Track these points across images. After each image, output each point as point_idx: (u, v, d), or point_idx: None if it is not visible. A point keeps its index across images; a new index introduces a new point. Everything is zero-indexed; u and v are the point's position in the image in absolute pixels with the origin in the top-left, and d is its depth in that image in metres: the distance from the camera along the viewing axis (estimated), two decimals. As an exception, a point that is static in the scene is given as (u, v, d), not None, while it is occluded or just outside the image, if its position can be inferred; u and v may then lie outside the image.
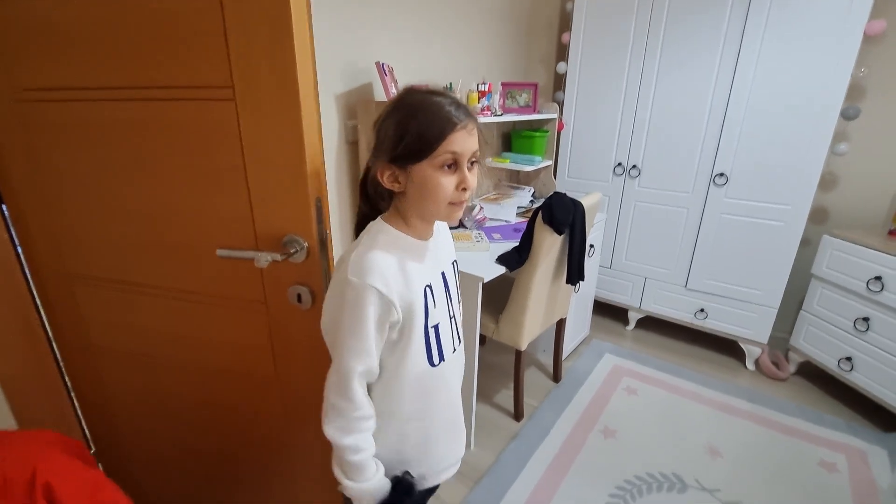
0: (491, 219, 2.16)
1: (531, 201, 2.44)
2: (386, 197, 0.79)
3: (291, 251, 0.83)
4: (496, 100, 2.20)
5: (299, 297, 0.87)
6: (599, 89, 2.43)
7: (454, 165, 0.72)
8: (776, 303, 2.21)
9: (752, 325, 2.30)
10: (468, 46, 2.23)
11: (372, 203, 0.81)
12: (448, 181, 0.71)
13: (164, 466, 1.27)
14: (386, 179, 0.74)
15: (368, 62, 1.69)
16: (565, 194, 1.60)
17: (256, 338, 0.97)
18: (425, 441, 0.87)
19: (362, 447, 0.77)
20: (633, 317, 2.69)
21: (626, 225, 2.53)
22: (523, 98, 2.32)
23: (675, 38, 2.16)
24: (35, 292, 1.13)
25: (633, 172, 2.42)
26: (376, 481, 0.78)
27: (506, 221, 2.17)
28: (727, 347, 2.53)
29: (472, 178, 0.74)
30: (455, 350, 0.88)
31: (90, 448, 1.32)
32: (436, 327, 0.81)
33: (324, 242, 0.83)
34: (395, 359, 0.79)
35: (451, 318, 0.86)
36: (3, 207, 1.05)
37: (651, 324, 2.73)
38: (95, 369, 1.19)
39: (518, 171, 2.63)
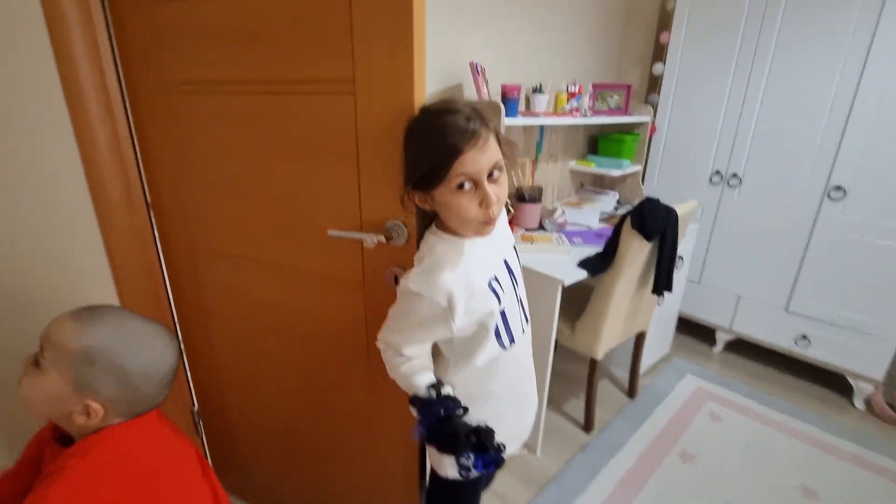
0: (572, 223, 2.11)
1: (616, 207, 2.35)
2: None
3: (393, 235, 0.89)
4: (585, 101, 2.15)
5: (396, 279, 0.92)
6: (699, 91, 2.28)
7: (471, 185, 0.71)
8: (898, 336, 1.95)
9: (864, 358, 2.05)
10: (560, 47, 2.19)
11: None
12: (468, 202, 0.72)
13: (259, 427, 1.39)
14: (417, 201, 0.78)
15: (461, 62, 1.72)
16: (658, 200, 1.52)
17: (352, 313, 1.04)
18: (497, 416, 0.89)
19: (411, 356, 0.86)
20: (722, 338, 2.50)
21: (721, 237, 2.35)
22: (614, 100, 2.24)
23: (790, 38, 1.98)
24: (163, 263, 1.29)
25: (733, 182, 2.25)
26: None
27: (587, 227, 2.10)
28: (832, 381, 2.27)
29: (499, 188, 0.74)
30: (524, 331, 0.92)
31: (193, 404, 1.48)
32: (503, 313, 0.84)
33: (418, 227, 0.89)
34: (469, 350, 0.84)
35: (518, 302, 0.89)
36: (146, 188, 1.21)
37: (742, 347, 2.52)
38: (207, 333, 1.33)
39: (603, 176, 2.55)
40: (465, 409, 0.81)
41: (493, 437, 0.80)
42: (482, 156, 0.70)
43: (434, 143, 0.70)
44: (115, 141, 1.12)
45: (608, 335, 1.73)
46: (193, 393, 1.47)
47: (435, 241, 0.81)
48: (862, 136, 1.87)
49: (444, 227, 0.82)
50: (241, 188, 1.07)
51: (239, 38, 0.93)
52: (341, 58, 0.83)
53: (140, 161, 1.18)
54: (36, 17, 0.97)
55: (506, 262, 0.88)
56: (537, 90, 1.96)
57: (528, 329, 0.96)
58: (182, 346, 1.40)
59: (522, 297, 0.93)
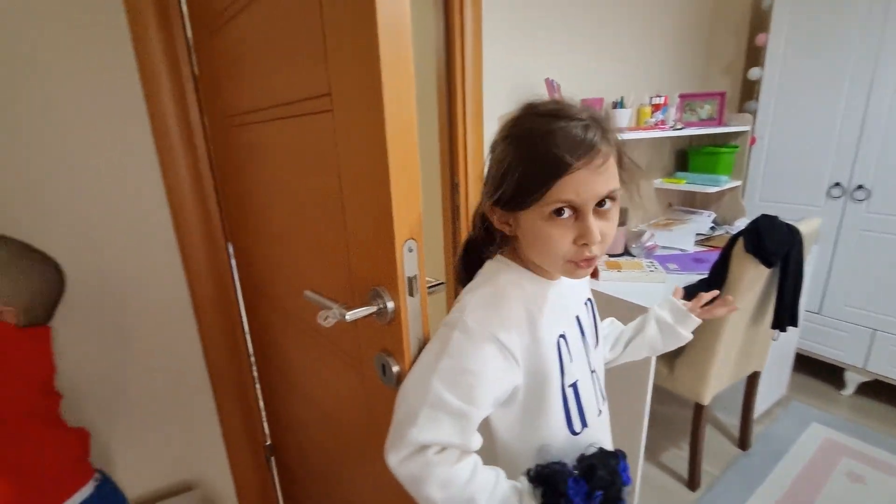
0: (663, 247, 1.89)
1: (712, 228, 2.09)
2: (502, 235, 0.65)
3: (376, 308, 0.62)
4: (672, 113, 1.96)
5: (384, 369, 0.66)
6: (808, 95, 2.00)
7: (571, 214, 0.55)
8: None
9: None
10: (640, 57, 2.03)
11: (488, 235, 0.67)
12: (560, 234, 0.55)
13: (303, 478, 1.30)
14: (496, 220, 0.62)
15: (535, 79, 1.62)
16: (777, 217, 1.30)
17: (353, 402, 0.85)
18: None
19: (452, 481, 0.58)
20: (853, 379, 2.10)
21: (845, 260, 2.01)
22: (706, 110, 2.03)
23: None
24: (242, 304, 1.29)
25: (859, 195, 1.92)
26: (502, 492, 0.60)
27: (681, 250, 1.88)
28: None
29: (605, 225, 0.56)
30: (600, 413, 0.72)
31: (266, 439, 1.44)
32: (574, 386, 0.66)
33: (415, 301, 0.62)
34: (522, 429, 0.65)
35: (592, 373, 0.71)
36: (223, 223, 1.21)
37: (880, 390, 2.10)
38: (282, 372, 1.29)
39: (694, 194, 2.30)
40: (565, 465, 0.61)
41: (608, 454, 0.63)
42: (597, 179, 0.53)
43: (534, 154, 0.53)
44: (197, 176, 1.13)
45: (716, 377, 1.49)
46: (267, 429, 1.43)
47: (498, 269, 0.65)
48: None
49: (516, 257, 0.66)
50: (264, 230, 1.01)
51: (244, 59, 0.86)
52: (314, 65, 0.63)
53: (218, 195, 1.18)
54: (129, 65, 1.01)
55: (578, 321, 0.70)
56: (618, 104, 1.81)
57: (606, 410, 0.76)
58: (258, 381, 1.38)
59: (598, 368, 0.74)
